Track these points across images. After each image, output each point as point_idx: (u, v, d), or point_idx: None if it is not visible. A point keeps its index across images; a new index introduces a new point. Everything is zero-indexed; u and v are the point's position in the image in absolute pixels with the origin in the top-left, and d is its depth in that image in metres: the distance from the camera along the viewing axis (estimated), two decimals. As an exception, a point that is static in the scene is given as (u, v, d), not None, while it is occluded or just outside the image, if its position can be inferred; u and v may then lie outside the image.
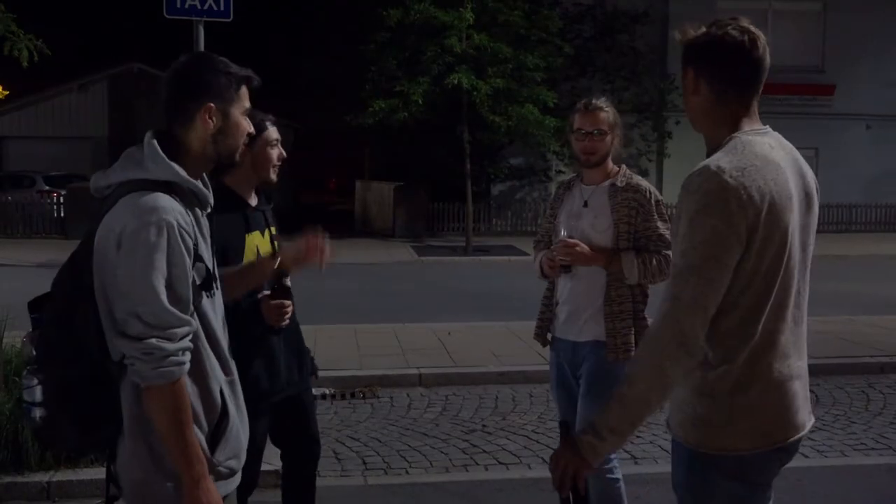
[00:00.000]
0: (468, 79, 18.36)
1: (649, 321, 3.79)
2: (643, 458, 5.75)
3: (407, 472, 5.61)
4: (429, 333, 9.49)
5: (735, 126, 2.26)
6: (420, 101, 18.67)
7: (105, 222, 2.22)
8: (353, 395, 7.28)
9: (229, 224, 3.23)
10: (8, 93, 38.16)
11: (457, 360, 8.29)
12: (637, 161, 23.72)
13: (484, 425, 6.56)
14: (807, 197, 2.29)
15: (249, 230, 3.38)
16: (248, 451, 2.61)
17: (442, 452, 5.95)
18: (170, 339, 2.17)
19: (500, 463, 5.77)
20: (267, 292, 3.33)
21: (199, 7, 6.88)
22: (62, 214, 22.32)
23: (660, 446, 6.07)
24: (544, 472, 5.52)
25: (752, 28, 2.22)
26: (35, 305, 2.38)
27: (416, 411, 6.95)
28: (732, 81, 2.24)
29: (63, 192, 22.63)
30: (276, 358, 3.48)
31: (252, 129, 2.49)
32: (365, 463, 5.74)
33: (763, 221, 2.12)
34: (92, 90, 29.17)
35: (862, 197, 24.65)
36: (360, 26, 21.96)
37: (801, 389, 2.32)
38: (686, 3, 24.07)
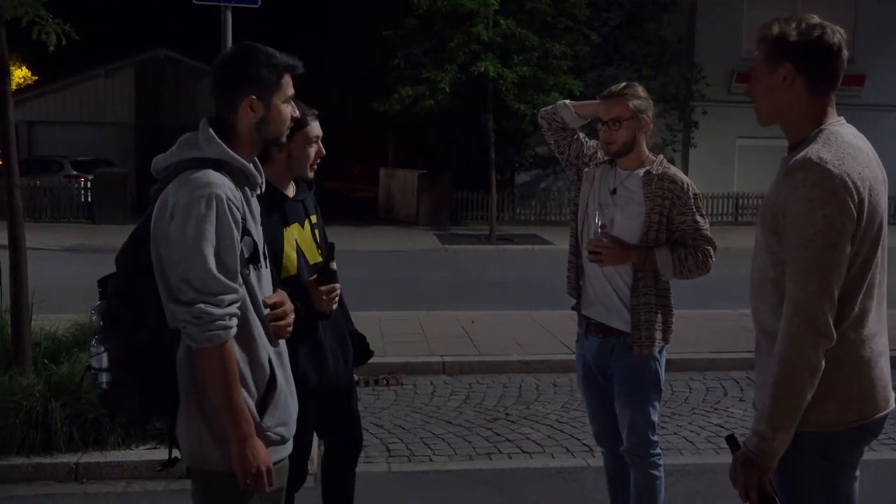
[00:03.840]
0: (494, 67, 18.30)
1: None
2: (668, 448, 5.71)
3: (430, 460, 5.62)
4: (452, 321, 9.50)
5: (820, 119, 2.39)
6: (447, 89, 18.62)
7: (161, 198, 2.40)
8: (376, 382, 7.31)
9: (266, 220, 3.04)
10: (37, 78, 38.55)
11: (480, 348, 8.30)
12: (663, 151, 23.54)
13: (507, 414, 6.57)
14: (884, 181, 2.42)
15: (287, 224, 3.28)
16: (297, 447, 2.67)
17: (465, 440, 5.96)
18: (217, 305, 2.33)
19: (524, 451, 5.78)
20: (313, 277, 3.22)
21: (226, -6, 6.90)
22: (89, 199, 22.47)
23: (684, 437, 6.05)
24: (567, 462, 5.56)
25: (840, 29, 2.38)
26: (103, 282, 2.55)
27: (439, 399, 6.96)
28: (828, 79, 2.38)
29: (90, 177, 22.77)
30: (323, 348, 3.36)
31: (297, 113, 2.61)
32: (388, 450, 5.76)
33: (866, 208, 2.26)
34: (119, 76, 29.28)
35: (892, 189, 24.31)
36: (387, 13, 21.91)
37: (886, 366, 2.44)
38: (715, -9, 23.89)
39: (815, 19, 2.38)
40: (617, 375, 3.75)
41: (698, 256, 3.62)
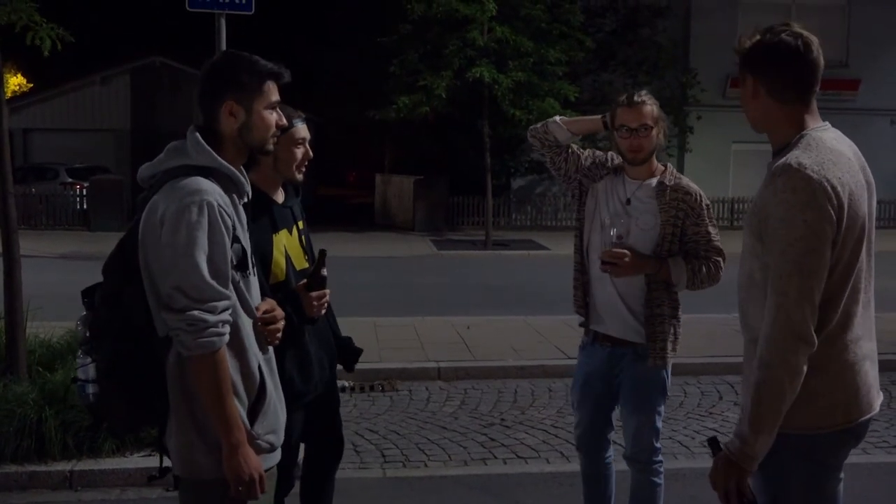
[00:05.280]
0: (489, 72, 18.35)
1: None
2: (663, 452, 5.70)
3: (425, 465, 5.62)
4: (448, 327, 9.50)
5: (800, 124, 2.39)
6: (443, 95, 18.66)
7: (150, 205, 2.38)
8: (372, 388, 7.30)
9: (255, 225, 3.05)
10: (32, 86, 38.53)
11: (476, 353, 8.30)
12: (658, 156, 23.50)
13: (502, 419, 6.57)
14: (868, 186, 2.42)
15: (276, 230, 3.25)
16: (284, 450, 2.66)
17: (460, 446, 5.96)
18: (211, 312, 2.31)
19: (519, 457, 5.78)
20: (303, 282, 3.19)
21: (221, 0, 6.91)
22: (85, 206, 22.46)
23: (679, 441, 6.06)
24: (563, 467, 5.56)
25: (805, 32, 2.35)
26: (88, 292, 2.51)
27: (434, 405, 6.96)
28: (791, 83, 2.36)
29: (86, 185, 22.73)
30: (309, 354, 3.35)
31: (284, 122, 2.60)
32: (384, 455, 5.76)
33: (846, 213, 2.26)
34: (114, 83, 29.21)
35: (886, 193, 24.35)
36: (382, 19, 21.96)
37: (871, 370, 2.45)
38: (709, -4, 23.94)
39: (781, 26, 2.35)
40: (626, 384, 3.74)
41: (710, 268, 3.63)
